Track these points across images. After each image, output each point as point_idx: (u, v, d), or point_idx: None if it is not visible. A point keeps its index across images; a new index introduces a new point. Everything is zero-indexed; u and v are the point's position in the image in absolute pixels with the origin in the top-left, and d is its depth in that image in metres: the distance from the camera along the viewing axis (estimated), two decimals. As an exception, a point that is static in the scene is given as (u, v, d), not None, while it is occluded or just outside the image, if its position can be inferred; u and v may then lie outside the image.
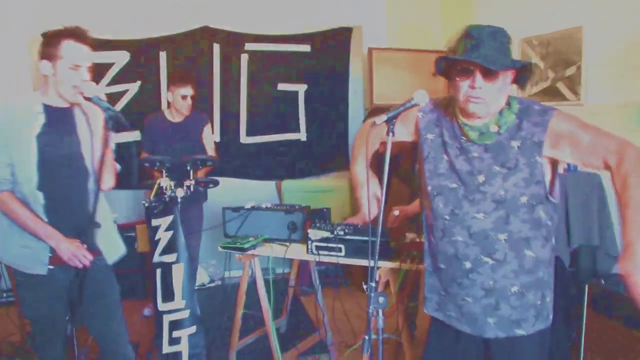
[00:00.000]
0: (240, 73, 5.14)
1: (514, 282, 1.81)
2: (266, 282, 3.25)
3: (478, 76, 1.67)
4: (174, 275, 3.32)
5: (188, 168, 3.49)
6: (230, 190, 4.98)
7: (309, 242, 2.96)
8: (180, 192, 3.40)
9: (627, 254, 1.53)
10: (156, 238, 3.38)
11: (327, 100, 5.32)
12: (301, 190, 5.04)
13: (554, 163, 1.80)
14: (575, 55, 3.79)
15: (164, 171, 3.43)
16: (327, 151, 5.37)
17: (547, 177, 1.77)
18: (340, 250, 2.90)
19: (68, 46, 2.17)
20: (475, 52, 1.66)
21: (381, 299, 1.81)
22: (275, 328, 3.84)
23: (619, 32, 3.45)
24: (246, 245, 3.16)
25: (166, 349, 3.29)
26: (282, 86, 5.23)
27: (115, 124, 2.07)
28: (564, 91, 3.93)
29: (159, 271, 3.35)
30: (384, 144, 1.85)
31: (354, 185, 2.13)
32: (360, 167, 2.14)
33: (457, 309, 1.91)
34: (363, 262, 2.83)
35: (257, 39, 5.14)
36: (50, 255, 2.24)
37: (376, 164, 2.11)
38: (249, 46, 5.13)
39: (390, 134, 1.77)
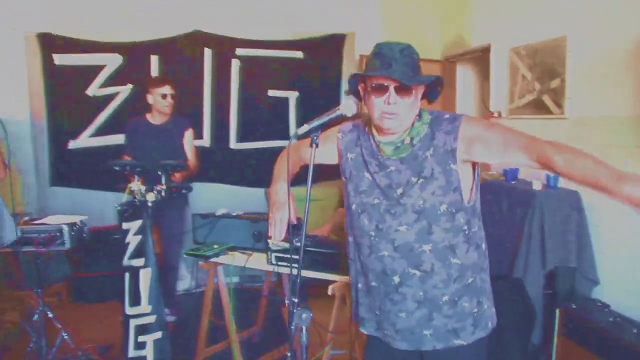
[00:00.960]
0: (230, 78, 5.14)
1: (444, 291, 1.81)
2: (247, 290, 3.25)
3: (392, 92, 1.70)
4: (141, 280, 3.32)
5: (159, 173, 3.50)
6: (220, 196, 5.00)
7: (269, 252, 2.94)
8: (150, 197, 3.41)
9: (626, 180, 1.43)
10: (126, 241, 3.40)
11: (318, 108, 5.23)
12: (289, 198, 4.99)
13: (474, 168, 1.83)
14: (560, 66, 3.70)
15: (135, 175, 3.44)
16: (317, 159, 5.32)
17: (467, 184, 1.80)
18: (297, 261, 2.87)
19: None
20: (389, 68, 1.69)
21: (304, 316, 1.78)
22: (248, 338, 3.85)
23: (601, 44, 3.36)
24: (208, 253, 3.15)
25: (132, 353, 3.29)
26: (272, 92, 5.22)
27: None
28: (549, 104, 3.84)
29: (127, 275, 3.37)
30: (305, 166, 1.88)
31: (269, 205, 2.07)
32: (279, 186, 2.08)
33: (391, 326, 1.88)
34: (319, 275, 2.81)
35: (248, 44, 5.13)
36: None
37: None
38: (240, 51, 5.12)
39: (314, 145, 1.75)
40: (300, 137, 1.80)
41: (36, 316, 3.24)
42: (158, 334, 3.30)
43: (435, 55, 5.41)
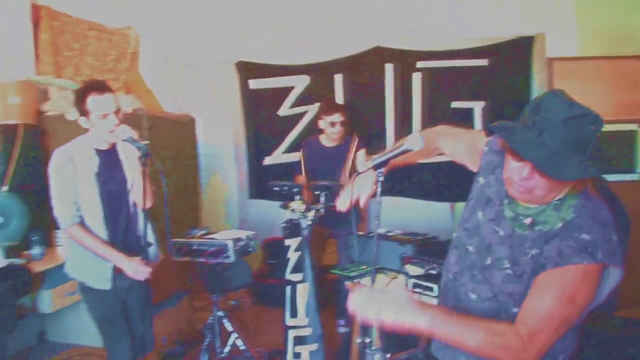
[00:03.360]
0: (412, 92, 5.10)
1: None
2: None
3: (528, 168, 1.39)
4: (299, 294, 3.52)
5: (316, 193, 3.65)
6: (403, 210, 5.01)
7: (406, 277, 2.87)
8: (310, 215, 3.60)
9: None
10: (287, 257, 3.64)
11: (506, 117, 4.92)
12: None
13: None
14: None
15: (295, 195, 3.65)
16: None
17: None
18: (431, 289, 2.75)
19: (92, 100, 2.55)
20: (536, 139, 1.34)
21: (377, 357, 1.73)
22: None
23: None
24: (352, 274, 3.18)
25: (289, 361, 3.51)
26: (456, 104, 5.03)
27: (146, 157, 2.49)
28: None
29: (288, 288, 3.60)
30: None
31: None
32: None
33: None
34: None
35: (429, 56, 5.03)
36: (113, 270, 2.69)
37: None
38: (421, 64, 5.05)
39: (378, 182, 1.66)
40: (361, 173, 1.72)
41: (210, 319, 3.64)
42: (314, 346, 3.46)
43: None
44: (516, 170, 1.42)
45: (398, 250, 3.17)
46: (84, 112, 2.59)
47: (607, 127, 4.67)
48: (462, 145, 1.79)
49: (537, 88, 4.85)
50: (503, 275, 1.50)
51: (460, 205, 4.97)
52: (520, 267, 1.47)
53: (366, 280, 3.17)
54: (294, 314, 3.53)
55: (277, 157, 5.38)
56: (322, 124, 4.27)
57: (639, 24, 4.69)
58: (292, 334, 3.53)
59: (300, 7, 5.25)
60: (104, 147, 2.72)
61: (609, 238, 1.40)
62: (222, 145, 5.55)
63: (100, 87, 2.59)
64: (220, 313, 3.66)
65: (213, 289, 3.71)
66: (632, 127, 4.63)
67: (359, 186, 1.80)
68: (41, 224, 3.76)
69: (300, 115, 5.30)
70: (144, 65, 5.61)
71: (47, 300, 3.70)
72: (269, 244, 5.20)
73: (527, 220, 1.48)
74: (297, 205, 3.58)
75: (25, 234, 3.65)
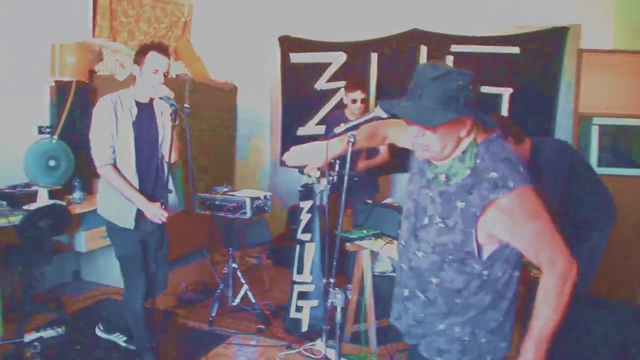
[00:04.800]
0: (444, 74, 5.22)
1: (442, 321, 1.79)
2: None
3: (414, 127, 1.63)
4: (306, 252, 3.82)
5: (332, 161, 3.90)
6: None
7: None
8: (323, 182, 3.87)
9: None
10: (299, 218, 3.93)
11: (532, 106, 5.02)
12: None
13: None
14: None
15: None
16: (525, 159, 5.08)
17: (490, 247, 1.67)
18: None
19: (152, 56, 2.91)
20: (415, 101, 1.58)
21: (339, 296, 1.97)
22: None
23: None
24: (354, 236, 3.44)
25: (292, 314, 3.83)
26: (485, 89, 5.13)
27: (177, 116, 2.82)
28: None
29: (297, 247, 3.91)
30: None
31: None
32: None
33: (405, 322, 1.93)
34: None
35: (464, 40, 5.15)
36: (137, 213, 3.03)
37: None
38: (455, 48, 5.17)
39: (350, 143, 1.89)
40: (335, 136, 1.91)
41: (225, 270, 3.99)
42: (314, 302, 3.75)
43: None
44: (411, 134, 1.66)
45: (397, 217, 3.39)
46: (139, 63, 2.97)
47: (632, 122, 4.70)
48: (400, 131, 2.00)
49: (567, 79, 4.89)
50: (436, 229, 1.71)
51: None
52: (451, 220, 1.66)
53: (365, 243, 3.42)
54: (300, 271, 3.83)
55: (310, 128, 5.65)
56: (345, 99, 4.51)
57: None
58: (297, 288, 3.84)
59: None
60: (144, 100, 3.06)
61: (516, 169, 1.61)
62: (260, 113, 5.90)
63: (162, 48, 3.00)
64: (234, 265, 4.00)
65: (230, 243, 4.05)
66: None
67: (332, 146, 2.03)
68: (83, 172, 4.19)
69: (335, 90, 5.54)
70: (196, 34, 5.98)
71: (83, 241, 4.15)
72: (293, 211, 5.49)
73: (442, 177, 1.69)
74: (312, 172, 3.84)
75: (70, 179, 4.08)
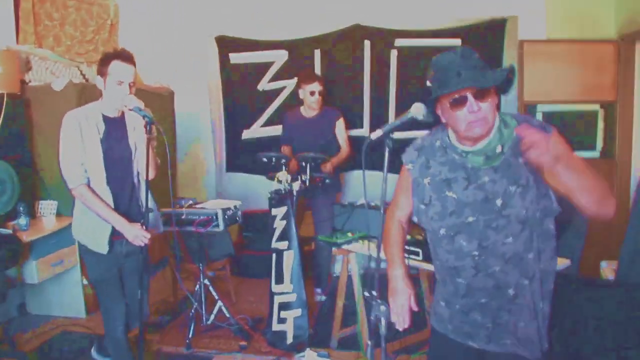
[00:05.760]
0: (389, 69, 5.24)
1: (542, 297, 1.82)
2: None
3: (472, 101, 1.67)
4: (285, 261, 3.67)
5: (303, 164, 3.78)
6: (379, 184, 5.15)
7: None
8: (295, 186, 3.73)
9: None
10: (274, 226, 3.76)
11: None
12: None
13: None
14: None
15: (283, 166, 3.77)
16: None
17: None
18: (418, 254, 2.93)
19: (115, 65, 2.67)
20: (459, 78, 1.66)
21: (382, 308, 1.87)
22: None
23: None
24: (340, 241, 3.34)
25: (275, 327, 3.67)
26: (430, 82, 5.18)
27: (151, 128, 2.62)
28: None
29: (274, 256, 3.74)
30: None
31: (389, 290, 2.01)
32: (397, 273, 2.01)
33: (512, 336, 1.85)
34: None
35: (407, 34, 5.16)
36: (111, 235, 2.77)
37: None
38: (399, 42, 5.18)
39: (387, 147, 1.81)
40: (374, 143, 1.81)
41: (197, 287, 3.75)
42: (298, 312, 3.61)
43: (609, 34, 4.87)
44: (464, 114, 1.69)
45: (383, 218, 3.33)
46: (102, 74, 2.71)
47: (572, 107, 4.96)
48: (406, 202, 2.02)
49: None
50: (518, 196, 1.71)
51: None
52: (523, 179, 1.71)
53: (352, 247, 3.34)
54: (279, 281, 3.68)
55: (255, 131, 5.46)
56: (301, 93, 4.41)
57: (604, 10, 4.93)
58: (277, 300, 3.68)
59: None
60: (113, 114, 2.79)
61: (541, 123, 1.76)
62: (200, 118, 5.62)
63: (126, 56, 2.73)
64: (206, 281, 3.77)
65: (199, 258, 3.81)
66: (595, 107, 4.90)
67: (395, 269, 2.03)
68: (26, 195, 3.79)
69: (279, 90, 5.38)
70: (125, 37, 5.58)
71: (34, 271, 3.73)
72: (245, 217, 5.29)
73: (498, 148, 1.75)
74: (283, 176, 3.71)
75: (15, 204, 3.67)
